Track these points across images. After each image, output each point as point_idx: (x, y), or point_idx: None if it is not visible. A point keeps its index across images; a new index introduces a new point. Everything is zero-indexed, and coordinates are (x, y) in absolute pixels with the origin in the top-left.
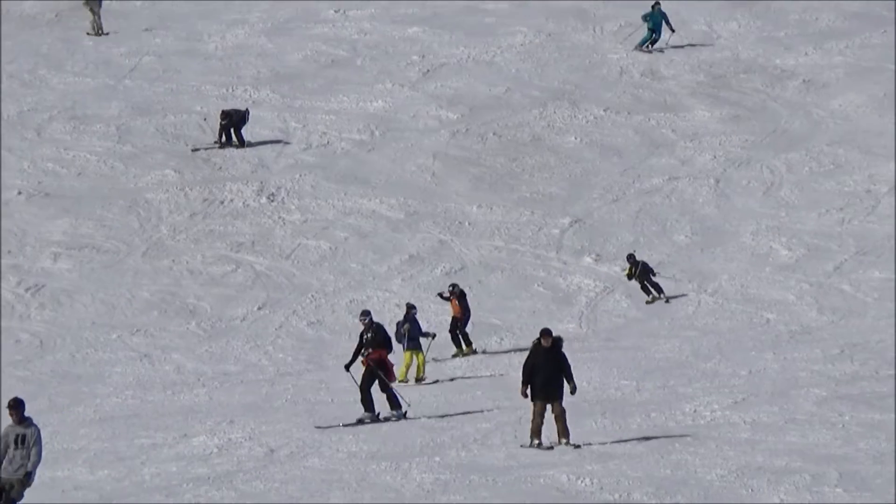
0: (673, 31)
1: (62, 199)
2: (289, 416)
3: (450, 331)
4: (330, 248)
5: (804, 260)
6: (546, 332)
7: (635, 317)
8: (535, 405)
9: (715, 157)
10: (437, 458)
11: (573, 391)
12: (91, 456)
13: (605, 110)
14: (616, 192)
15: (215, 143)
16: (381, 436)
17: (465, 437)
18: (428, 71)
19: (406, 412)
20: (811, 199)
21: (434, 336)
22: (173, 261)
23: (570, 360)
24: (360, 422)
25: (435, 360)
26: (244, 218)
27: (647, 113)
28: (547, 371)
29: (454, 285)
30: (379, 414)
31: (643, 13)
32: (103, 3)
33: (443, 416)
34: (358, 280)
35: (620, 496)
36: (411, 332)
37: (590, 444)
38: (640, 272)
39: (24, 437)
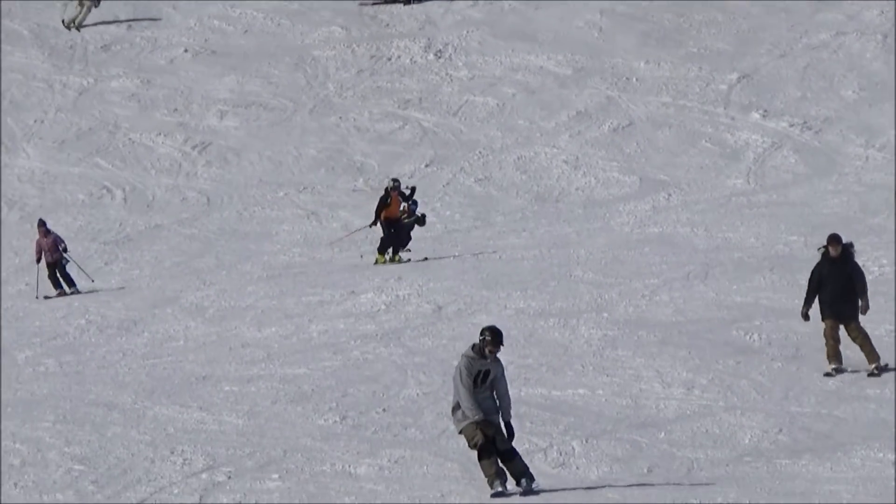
0: None
1: (229, 57)
2: (456, 272)
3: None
4: (497, 105)
5: None
6: (835, 239)
7: (803, 172)
8: (826, 325)
9: (882, 12)
10: (605, 315)
11: (864, 309)
12: (259, 313)
13: None
14: (783, 48)
15: None
16: (549, 292)
17: (633, 292)
18: None
19: None
20: None
21: None
22: (340, 118)
23: (864, 272)
24: None
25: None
26: (411, 74)
27: None
28: (836, 285)
29: (396, 179)
30: None
31: None
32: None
33: (610, 273)
34: (525, 136)
35: (789, 351)
36: None
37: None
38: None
39: (486, 373)
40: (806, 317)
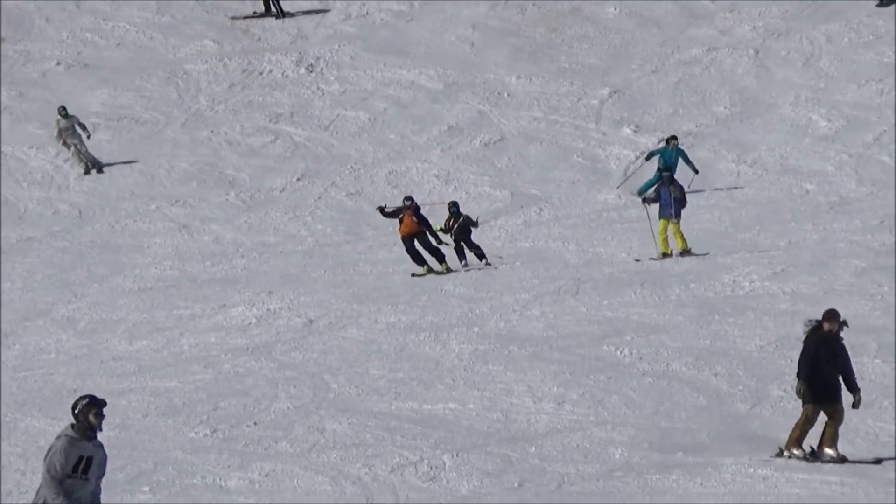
0: (697, 171)
1: (101, 70)
2: (327, 286)
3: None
4: (369, 119)
5: (843, 131)
6: (832, 315)
7: None
8: (806, 408)
9: (755, 27)
10: (476, 329)
11: (857, 403)
12: (130, 326)
13: None
14: (655, 63)
15: (254, 13)
16: (420, 307)
17: (504, 307)
18: None
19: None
20: (851, 71)
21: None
22: (212, 132)
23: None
24: None
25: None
26: (283, 89)
27: None
28: (830, 365)
29: (410, 198)
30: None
31: (650, 150)
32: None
33: (481, 287)
34: (397, 151)
35: (659, 366)
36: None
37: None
38: (459, 228)
39: (89, 461)
40: (805, 395)
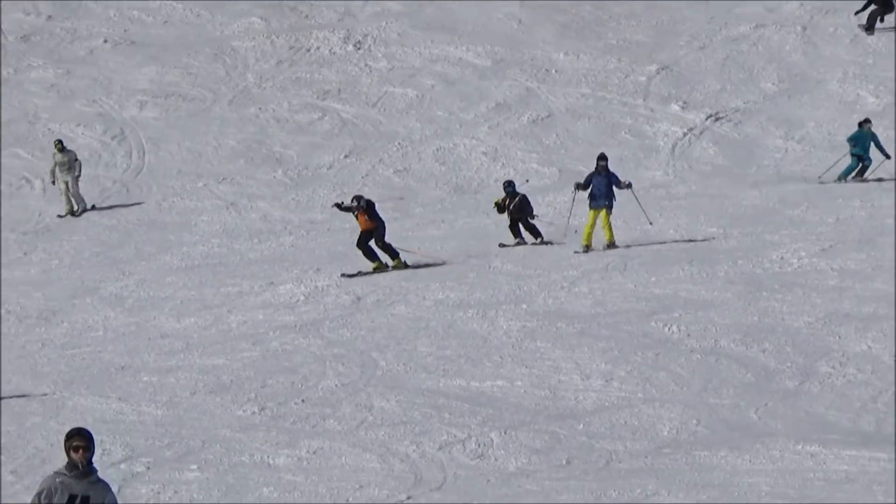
0: (888, 156)
1: (148, 48)
2: None
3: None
4: (416, 96)
5: (891, 107)
6: None
7: (722, 164)
8: None
9: (802, 4)
10: (524, 306)
11: None
12: (178, 304)
13: None
14: (703, 40)
15: None
16: (468, 284)
17: (552, 284)
18: None
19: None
20: None
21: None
22: (259, 109)
23: None
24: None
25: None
26: (330, 66)
27: None
28: None
29: (359, 198)
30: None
31: (848, 135)
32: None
33: (529, 264)
34: (444, 128)
35: (707, 343)
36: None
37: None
38: (516, 208)
39: (85, 501)
40: None
